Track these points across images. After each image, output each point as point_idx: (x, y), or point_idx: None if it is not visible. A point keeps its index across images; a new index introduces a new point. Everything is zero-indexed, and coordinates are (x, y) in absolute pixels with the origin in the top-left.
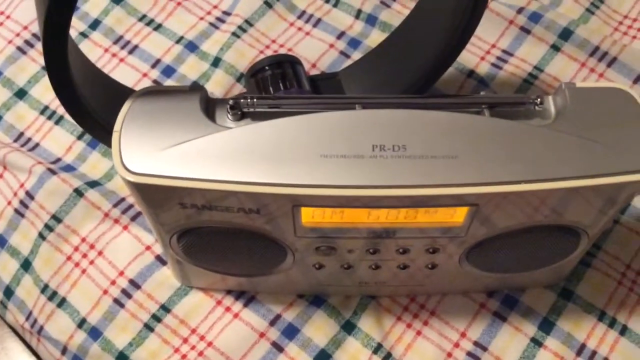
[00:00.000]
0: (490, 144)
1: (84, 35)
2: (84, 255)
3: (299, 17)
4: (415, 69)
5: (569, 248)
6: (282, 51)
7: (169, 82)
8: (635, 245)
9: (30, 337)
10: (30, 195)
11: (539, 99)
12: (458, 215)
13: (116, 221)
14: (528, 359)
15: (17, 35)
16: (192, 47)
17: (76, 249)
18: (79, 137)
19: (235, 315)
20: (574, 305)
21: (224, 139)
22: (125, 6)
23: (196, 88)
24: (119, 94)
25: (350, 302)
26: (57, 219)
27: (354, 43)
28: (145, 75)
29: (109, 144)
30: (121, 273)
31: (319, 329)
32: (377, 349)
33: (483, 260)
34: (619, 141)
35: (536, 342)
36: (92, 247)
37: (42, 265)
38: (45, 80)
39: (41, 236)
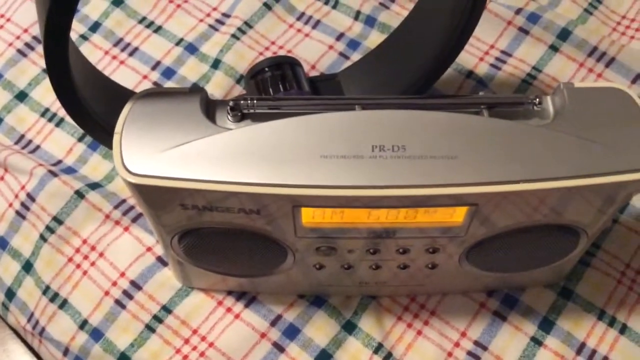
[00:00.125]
0: (489, 144)
1: (84, 37)
2: (85, 257)
3: (298, 19)
4: (414, 69)
5: (569, 247)
6: (282, 53)
7: (169, 84)
8: (634, 244)
9: (32, 338)
10: (31, 197)
11: (537, 99)
12: (457, 215)
13: (117, 223)
14: (528, 358)
15: (18, 38)
16: (191, 49)
17: (77, 250)
18: (80, 139)
19: (236, 316)
20: (573, 305)
21: (224, 140)
22: (125, 8)
23: (196, 90)
24: (120, 96)
25: (351, 302)
26: (58, 220)
27: (353, 44)
28: (145, 77)
29: (110, 145)
30: (122, 274)
31: (320, 329)
32: (378, 348)
33: (483, 259)
34: (617, 141)
35: (536, 341)
36: (93, 248)
37: (43, 267)
38: (46, 83)
39: (42, 238)
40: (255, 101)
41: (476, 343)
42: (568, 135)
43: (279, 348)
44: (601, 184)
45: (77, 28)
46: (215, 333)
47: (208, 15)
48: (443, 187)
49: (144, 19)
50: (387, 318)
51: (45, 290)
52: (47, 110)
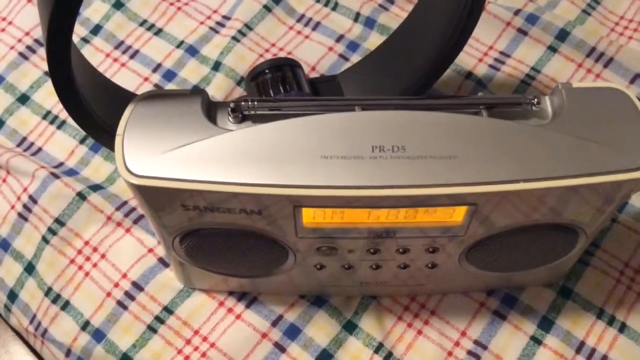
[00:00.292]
0: (488, 144)
1: (85, 40)
2: (87, 258)
3: (298, 21)
4: (413, 71)
5: (568, 246)
6: (282, 54)
7: (170, 86)
8: (633, 243)
9: (34, 340)
10: (33, 199)
11: (536, 99)
12: (457, 215)
13: (119, 224)
14: (528, 357)
15: (19, 41)
16: (192, 51)
17: (79, 252)
18: (82, 142)
19: (238, 316)
20: (573, 304)
21: (225, 141)
22: (126, 11)
23: (197, 91)
24: (121, 98)
25: (352, 302)
26: (60, 222)
27: (353, 46)
28: (146, 79)
29: (111, 147)
30: (124, 275)
31: (321, 329)
32: (379, 348)
33: (482, 259)
34: (616, 140)
35: (536, 340)
36: (95, 250)
37: (45, 269)
38: (48, 85)
39: (44, 240)
40: (256, 102)
41: (476, 342)
42: (566, 135)
43: (280, 348)
44: (599, 183)
45: (78, 31)
46: (216, 333)
47: (208, 17)
48: (442, 187)
49: (144, 21)
50: (387, 318)
51: (48, 291)
52: (48, 112)
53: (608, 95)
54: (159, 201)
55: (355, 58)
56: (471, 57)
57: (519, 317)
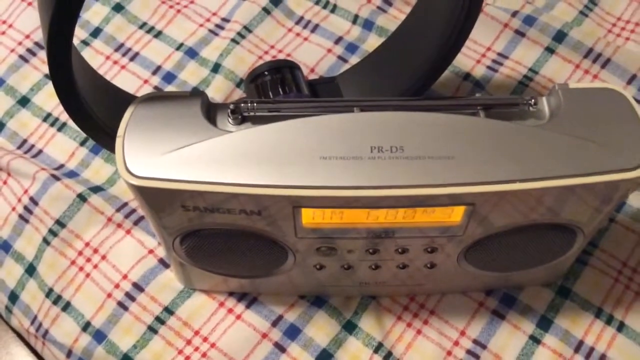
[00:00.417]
0: (486, 145)
1: (85, 43)
2: (88, 260)
3: (297, 23)
4: (411, 72)
5: (565, 246)
6: (281, 56)
7: (169, 89)
8: (631, 243)
9: (36, 341)
10: (34, 201)
11: (533, 100)
12: (455, 215)
13: (119, 225)
14: (527, 356)
15: (20, 44)
16: (192, 53)
17: (80, 253)
18: (82, 144)
19: (238, 317)
20: (571, 303)
21: (225, 142)
22: (125, 14)
23: (197, 93)
24: (122, 100)
25: (351, 303)
26: (61, 224)
27: (352, 48)
28: (146, 81)
29: (112, 149)
30: (125, 276)
31: (321, 329)
32: (378, 348)
33: (481, 259)
34: (612, 140)
35: (535, 340)
36: (95, 251)
37: (46, 270)
38: (48, 88)
39: (45, 241)
40: (255, 104)
41: (475, 342)
42: (563, 135)
43: (280, 348)
44: (597, 183)
45: (78, 34)
46: (217, 334)
47: (208, 20)
48: (440, 187)
49: (144, 24)
50: (387, 318)
51: (48, 293)
52: (49, 115)
53: (604, 95)
54: (160, 202)
55: (353, 60)
56: (469, 59)
57: (518, 316)
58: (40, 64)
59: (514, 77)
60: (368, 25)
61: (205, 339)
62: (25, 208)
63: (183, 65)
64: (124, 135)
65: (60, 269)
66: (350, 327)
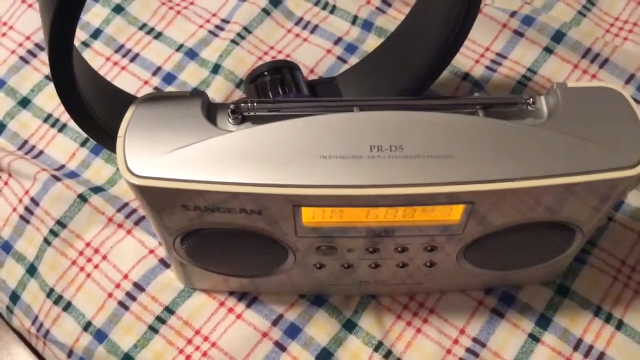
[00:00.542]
0: (485, 143)
1: (85, 44)
2: (89, 260)
3: (297, 24)
4: (410, 72)
5: (564, 244)
6: (281, 57)
7: (169, 89)
8: (629, 241)
9: (37, 341)
10: (35, 202)
11: (531, 99)
12: (454, 213)
13: (120, 226)
14: (526, 354)
15: (20, 45)
16: (192, 54)
17: (81, 253)
18: (82, 144)
19: (238, 316)
20: (570, 301)
21: (225, 142)
22: (125, 15)
23: (197, 93)
24: (122, 100)
25: (351, 302)
26: (61, 224)
27: (351, 48)
28: (146, 82)
29: (113, 149)
30: (125, 276)
31: (321, 328)
32: (378, 346)
33: (480, 257)
34: (610, 138)
35: (534, 338)
36: (96, 251)
37: (47, 270)
38: (48, 89)
39: (46, 241)
40: (255, 104)
41: (475, 340)
42: (561, 134)
43: (281, 347)
44: (595, 181)
45: (79, 35)
46: (217, 333)
47: (207, 21)
48: (440, 186)
49: (144, 25)
50: (386, 316)
51: (49, 293)
52: (49, 115)
53: (602, 94)
54: (160, 201)
55: (353, 60)
56: (468, 59)
57: (517, 315)
58: (41, 65)
59: (513, 77)
60: (367, 25)
61: (205, 339)
62: (26, 208)
63: (183, 66)
64: (125, 135)
65: (61, 269)
66: (350, 326)
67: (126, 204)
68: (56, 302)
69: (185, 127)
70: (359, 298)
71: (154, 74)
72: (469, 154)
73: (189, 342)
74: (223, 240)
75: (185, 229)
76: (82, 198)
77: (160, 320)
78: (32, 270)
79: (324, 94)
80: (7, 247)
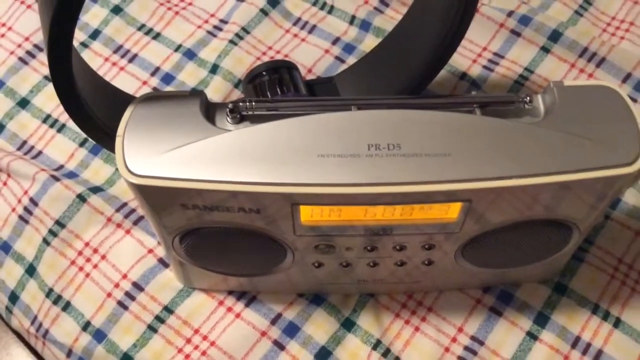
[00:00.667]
0: (482, 142)
1: (84, 45)
2: (88, 260)
3: (295, 24)
4: (408, 72)
5: (561, 242)
6: (279, 57)
7: (168, 90)
8: (626, 239)
9: (36, 341)
10: (34, 202)
11: (528, 98)
12: (452, 211)
13: (119, 225)
14: (524, 352)
15: (19, 46)
16: (190, 54)
17: (80, 253)
18: (81, 144)
19: (237, 315)
20: (568, 300)
21: (223, 141)
22: (124, 16)
23: (196, 93)
24: (121, 100)
25: (350, 300)
26: (60, 224)
27: (349, 48)
28: (145, 83)
29: (112, 149)
30: (124, 276)
31: (319, 326)
32: (377, 345)
33: (478, 255)
34: (607, 136)
35: (532, 336)
36: (95, 251)
37: (46, 270)
38: (47, 90)
39: (45, 241)
40: (253, 103)
41: (473, 338)
42: (558, 132)
43: (280, 346)
44: (591, 179)
45: (77, 36)
46: (216, 332)
47: (206, 21)
48: (437, 184)
49: (142, 26)
50: (385, 315)
51: (49, 293)
52: (48, 116)
53: (599, 92)
54: (159, 201)
55: (351, 60)
56: (465, 59)
57: (515, 313)
58: (40, 66)
59: (510, 77)
60: (365, 25)
61: (204, 338)
62: (25, 209)
63: (181, 67)
64: (124, 135)
65: (60, 269)
66: (348, 325)
67: (125, 204)
68: (55, 302)
69: (183, 126)
70: (358, 297)
71: (153, 74)
72: (466, 152)
73: (188, 341)
74: (222, 239)
75: (184, 228)
76: (81, 198)
77: (159, 319)
78: (31, 270)
79: (322, 94)
80: (6, 248)
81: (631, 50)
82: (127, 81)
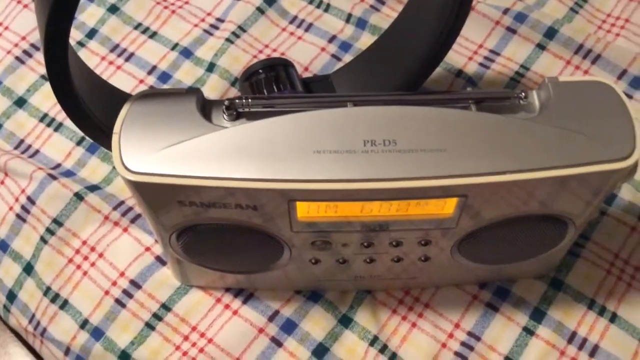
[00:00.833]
0: (477, 137)
1: (81, 44)
2: (85, 258)
3: (291, 22)
4: (404, 69)
5: (557, 237)
6: (275, 55)
7: (165, 88)
8: (622, 235)
9: (34, 339)
10: (31, 200)
11: (523, 94)
12: (448, 207)
13: (116, 224)
14: (521, 347)
15: (16, 45)
16: (187, 53)
17: (77, 251)
18: (78, 143)
19: (235, 312)
20: (564, 295)
21: (220, 138)
22: (120, 15)
23: (193, 90)
24: (118, 98)
25: (347, 297)
26: (58, 222)
27: (345, 46)
28: (141, 81)
29: (109, 147)
30: (122, 274)
31: (317, 323)
32: (374, 341)
33: (474, 251)
34: (602, 131)
35: (528, 331)
36: (92, 249)
37: (44, 269)
38: (44, 89)
39: (43, 240)
40: (250, 100)
41: (469, 334)
42: (553, 127)
43: (277, 343)
44: (586, 173)
45: (74, 35)
46: (214, 329)
47: (202, 20)
48: (433, 179)
49: (139, 25)
50: (382, 311)
51: (46, 291)
52: (45, 115)
53: (594, 88)
54: (156, 198)
55: (347, 58)
56: (461, 56)
57: (512, 308)
58: (36, 65)
59: (506, 74)
60: (361, 23)
61: (202, 335)
62: (23, 207)
63: (178, 65)
64: (120, 132)
65: (58, 267)
66: (346, 321)
67: (122, 202)
68: (53, 301)
69: (180, 123)
70: (355, 293)
71: (150, 73)
72: (461, 147)
73: (186, 338)
74: (219, 236)
75: (181, 225)
76: (78, 196)
77: (157, 317)
78: (28, 268)
79: (318, 91)
80: (3, 246)
81: (626, 46)
82: (124, 80)
